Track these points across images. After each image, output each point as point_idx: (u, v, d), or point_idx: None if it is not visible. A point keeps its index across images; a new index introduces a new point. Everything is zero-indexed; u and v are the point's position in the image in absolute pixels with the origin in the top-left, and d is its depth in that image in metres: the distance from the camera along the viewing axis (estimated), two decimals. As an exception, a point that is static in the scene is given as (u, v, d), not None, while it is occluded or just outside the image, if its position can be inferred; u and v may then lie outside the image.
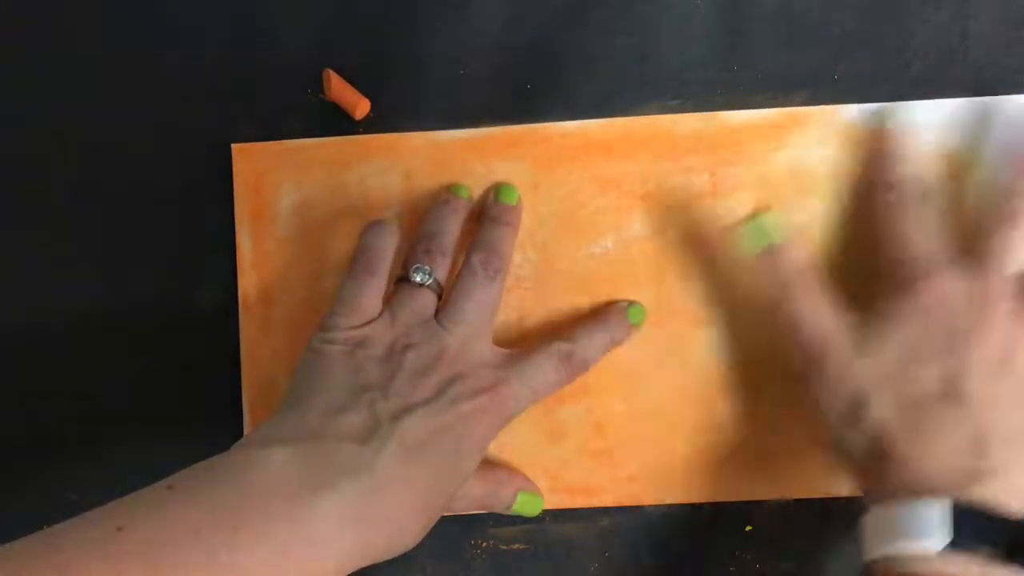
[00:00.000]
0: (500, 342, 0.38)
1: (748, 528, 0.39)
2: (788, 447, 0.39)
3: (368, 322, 0.35)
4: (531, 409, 0.37)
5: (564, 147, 0.40)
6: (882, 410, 0.32)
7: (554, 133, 0.40)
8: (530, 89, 0.40)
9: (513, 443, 0.39)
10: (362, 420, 0.32)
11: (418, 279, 0.36)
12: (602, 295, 0.39)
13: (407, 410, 0.32)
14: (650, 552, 0.39)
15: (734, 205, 0.39)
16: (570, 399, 0.39)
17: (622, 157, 0.40)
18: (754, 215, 0.38)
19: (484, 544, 0.39)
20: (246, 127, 0.40)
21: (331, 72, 0.40)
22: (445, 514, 0.34)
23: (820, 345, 0.34)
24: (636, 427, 0.39)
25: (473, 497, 0.36)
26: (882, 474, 0.32)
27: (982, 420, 0.31)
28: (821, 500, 0.39)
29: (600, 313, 0.38)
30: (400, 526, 0.31)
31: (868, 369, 0.33)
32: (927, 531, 0.30)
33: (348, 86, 0.40)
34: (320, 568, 0.29)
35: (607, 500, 0.39)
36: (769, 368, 0.39)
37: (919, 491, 0.31)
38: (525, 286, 0.40)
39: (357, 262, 0.36)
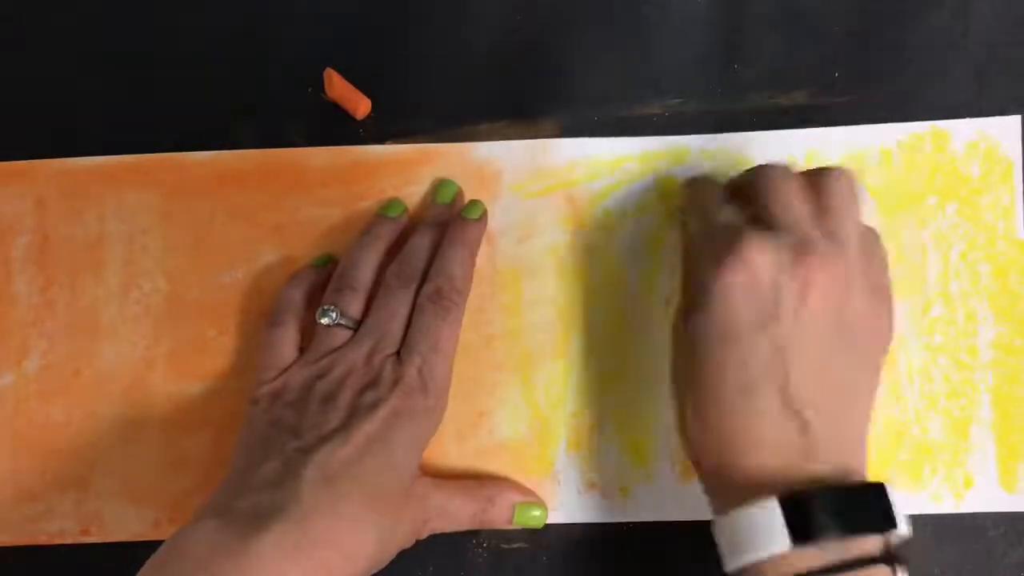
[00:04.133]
0: (124, 373, 0.38)
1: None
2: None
3: (284, 370, 0.36)
4: (155, 437, 0.38)
5: (197, 176, 0.40)
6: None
7: (187, 162, 0.40)
8: (530, 89, 0.40)
9: (136, 473, 0.39)
10: (276, 465, 0.32)
11: (324, 321, 0.36)
12: (232, 325, 0.39)
13: (322, 440, 0.33)
14: (651, 552, 0.39)
15: None
16: (194, 429, 0.39)
17: (255, 188, 0.40)
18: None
19: (484, 544, 0.39)
20: (246, 127, 0.40)
21: (332, 72, 0.40)
22: (437, 531, 0.35)
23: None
24: None
25: (463, 515, 0.36)
26: (719, 471, 0.31)
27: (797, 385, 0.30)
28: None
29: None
30: (352, 538, 0.31)
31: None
32: (769, 536, 0.28)
33: (349, 86, 0.40)
34: None
35: None
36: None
37: (756, 486, 0.30)
38: (156, 314, 0.39)
39: (269, 316, 0.38)
